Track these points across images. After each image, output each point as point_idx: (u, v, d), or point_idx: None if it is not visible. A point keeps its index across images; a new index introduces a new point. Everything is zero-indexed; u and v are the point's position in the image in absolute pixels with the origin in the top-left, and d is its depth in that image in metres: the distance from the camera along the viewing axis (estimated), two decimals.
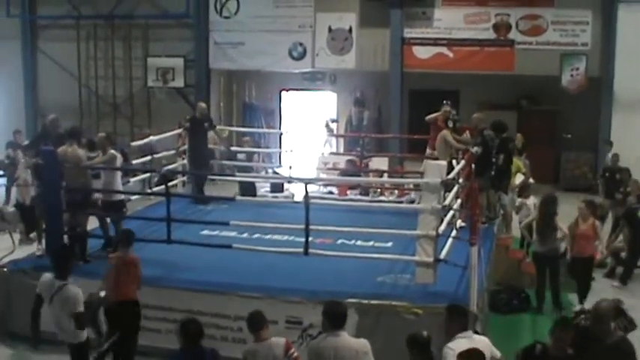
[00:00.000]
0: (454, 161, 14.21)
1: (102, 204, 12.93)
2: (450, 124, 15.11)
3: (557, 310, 12.96)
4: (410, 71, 23.18)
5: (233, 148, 18.77)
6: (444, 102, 15.70)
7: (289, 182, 18.39)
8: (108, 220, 12.87)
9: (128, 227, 11.36)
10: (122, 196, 13.24)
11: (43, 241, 12.91)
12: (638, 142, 21.06)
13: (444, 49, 23.05)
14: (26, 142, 18.77)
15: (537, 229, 13.54)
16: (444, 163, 11.44)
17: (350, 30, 23.57)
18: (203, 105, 17.44)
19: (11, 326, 11.71)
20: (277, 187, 18.27)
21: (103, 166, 12.61)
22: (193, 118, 16.80)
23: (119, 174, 13.02)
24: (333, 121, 25.20)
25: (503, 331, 12.42)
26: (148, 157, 16.68)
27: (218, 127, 18.38)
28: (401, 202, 16.93)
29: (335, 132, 24.94)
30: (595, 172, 22.14)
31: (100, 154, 12.73)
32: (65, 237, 12.17)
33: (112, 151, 12.78)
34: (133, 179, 15.93)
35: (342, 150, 23.81)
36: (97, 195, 12.93)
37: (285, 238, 12.50)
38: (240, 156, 18.80)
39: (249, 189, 17.41)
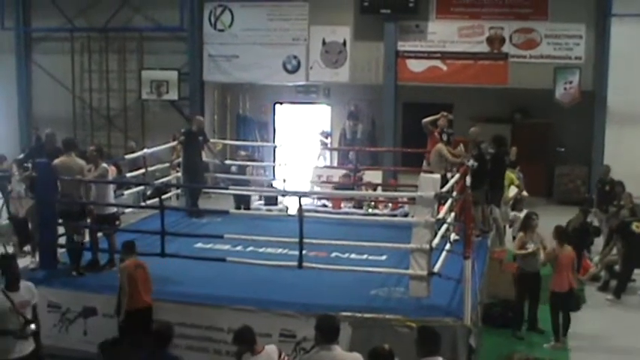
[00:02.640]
0: (448, 174, 14.23)
1: (95, 217, 12.92)
2: (445, 137, 15.16)
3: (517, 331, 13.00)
4: (404, 84, 23.20)
5: (227, 161, 18.77)
6: (443, 113, 15.86)
7: (283, 195, 18.38)
8: (99, 234, 12.85)
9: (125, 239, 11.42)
10: (115, 210, 13.25)
11: (37, 254, 12.90)
12: (631, 155, 21.08)
13: (437, 63, 23.06)
14: (21, 156, 18.75)
15: None
16: (437, 176, 11.44)
17: (344, 43, 23.59)
18: (201, 119, 17.66)
19: None
20: (271, 200, 18.26)
21: (98, 180, 12.62)
22: (189, 131, 16.84)
23: (111, 187, 13.05)
24: (326, 135, 25.19)
25: (497, 345, 12.47)
26: (142, 170, 16.70)
27: (212, 140, 18.38)
28: (395, 216, 16.95)
29: (328, 145, 24.93)
30: (588, 185, 22.18)
31: (92, 167, 12.74)
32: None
33: (104, 165, 12.82)
34: (126, 192, 15.91)
35: (335, 163, 23.82)
36: (91, 207, 12.93)
37: (279, 251, 12.54)
38: (233, 169, 18.79)
39: (243, 202, 17.45)
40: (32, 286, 8.92)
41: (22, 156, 18.79)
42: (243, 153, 20.17)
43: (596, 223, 17.30)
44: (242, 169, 18.79)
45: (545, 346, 12.51)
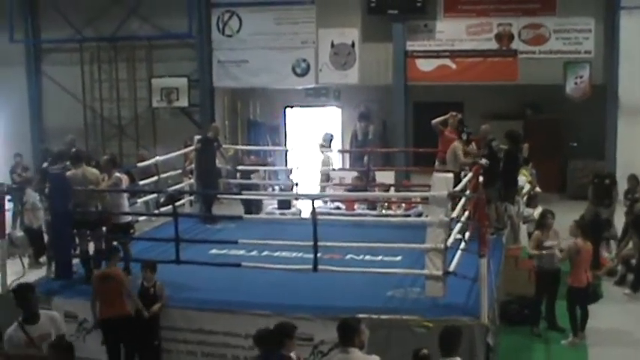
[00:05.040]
0: (464, 173, 14.21)
1: (111, 226, 13.00)
2: (464, 137, 15.09)
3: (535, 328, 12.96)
4: (413, 84, 23.19)
5: (240, 167, 18.78)
6: (452, 113, 15.88)
7: (296, 199, 18.38)
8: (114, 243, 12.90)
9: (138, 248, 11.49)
10: (129, 218, 13.31)
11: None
12: None
13: (447, 61, 23.03)
14: (45, 164, 18.99)
15: None
16: (450, 175, 11.42)
17: (352, 45, 23.58)
18: (217, 126, 17.85)
19: None
20: (285, 204, 18.27)
21: (111, 189, 12.69)
22: (206, 138, 16.88)
23: (125, 196, 13.10)
24: (329, 138, 24.78)
25: (515, 342, 12.44)
26: (155, 178, 16.73)
27: (224, 146, 18.42)
28: (408, 216, 16.92)
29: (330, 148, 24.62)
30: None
31: (106, 177, 12.84)
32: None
33: (117, 174, 12.90)
34: (140, 200, 15.95)
35: (347, 165, 23.75)
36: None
37: (294, 254, 12.52)
38: (237, 175, 18.79)
39: (253, 207, 17.53)
40: (57, 316, 8.55)
41: (45, 164, 19.02)
42: (253, 158, 20.19)
43: None
44: (247, 175, 18.80)
45: (563, 342, 12.46)
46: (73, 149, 15.44)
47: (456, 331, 7.91)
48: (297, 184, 18.61)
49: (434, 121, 15.87)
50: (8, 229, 15.08)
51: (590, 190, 17.45)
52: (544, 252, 12.69)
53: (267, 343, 7.94)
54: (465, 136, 15.15)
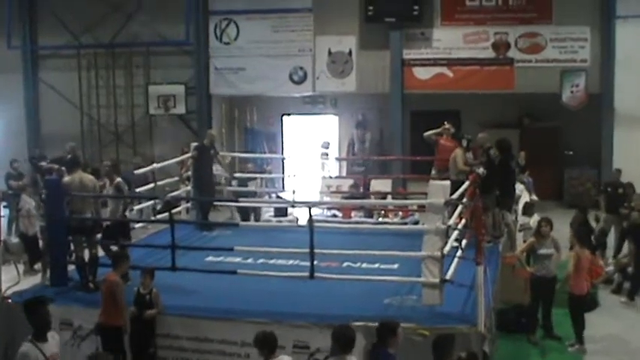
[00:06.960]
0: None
1: (108, 227, 13.09)
2: (465, 144, 15.09)
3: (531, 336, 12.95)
4: (410, 92, 23.18)
5: (237, 175, 18.77)
6: (445, 123, 15.90)
7: (293, 206, 18.37)
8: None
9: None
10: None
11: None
12: None
13: (444, 70, 23.05)
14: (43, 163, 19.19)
15: None
16: (447, 183, 11.41)
17: (350, 53, 23.60)
18: (213, 133, 17.74)
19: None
20: (281, 212, 18.26)
21: (108, 195, 12.73)
22: (202, 145, 16.87)
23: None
24: (326, 146, 24.86)
25: (511, 351, 12.42)
26: (151, 185, 16.71)
27: (221, 153, 18.41)
28: (405, 224, 16.92)
29: (328, 156, 24.68)
30: (599, 188, 22.09)
31: (107, 182, 12.93)
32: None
33: (119, 179, 12.98)
34: (136, 207, 15.91)
35: (344, 173, 23.75)
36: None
37: (291, 262, 12.48)
38: (234, 182, 18.80)
39: (248, 215, 17.56)
40: (56, 335, 8.32)
41: (44, 163, 19.08)
42: (250, 165, 20.17)
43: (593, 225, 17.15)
44: (244, 182, 18.80)
45: (570, 350, 12.42)
46: (69, 156, 15.52)
47: (449, 338, 7.89)
48: (294, 192, 18.57)
49: (426, 134, 15.95)
50: (3, 236, 15.10)
51: (601, 199, 17.54)
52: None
53: (266, 346, 7.94)
54: (465, 143, 15.13)
